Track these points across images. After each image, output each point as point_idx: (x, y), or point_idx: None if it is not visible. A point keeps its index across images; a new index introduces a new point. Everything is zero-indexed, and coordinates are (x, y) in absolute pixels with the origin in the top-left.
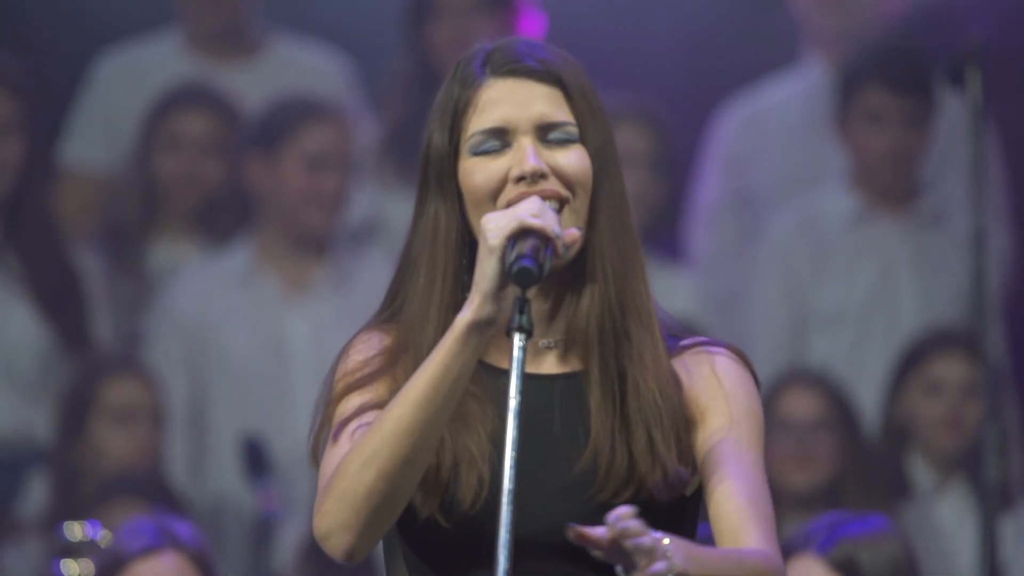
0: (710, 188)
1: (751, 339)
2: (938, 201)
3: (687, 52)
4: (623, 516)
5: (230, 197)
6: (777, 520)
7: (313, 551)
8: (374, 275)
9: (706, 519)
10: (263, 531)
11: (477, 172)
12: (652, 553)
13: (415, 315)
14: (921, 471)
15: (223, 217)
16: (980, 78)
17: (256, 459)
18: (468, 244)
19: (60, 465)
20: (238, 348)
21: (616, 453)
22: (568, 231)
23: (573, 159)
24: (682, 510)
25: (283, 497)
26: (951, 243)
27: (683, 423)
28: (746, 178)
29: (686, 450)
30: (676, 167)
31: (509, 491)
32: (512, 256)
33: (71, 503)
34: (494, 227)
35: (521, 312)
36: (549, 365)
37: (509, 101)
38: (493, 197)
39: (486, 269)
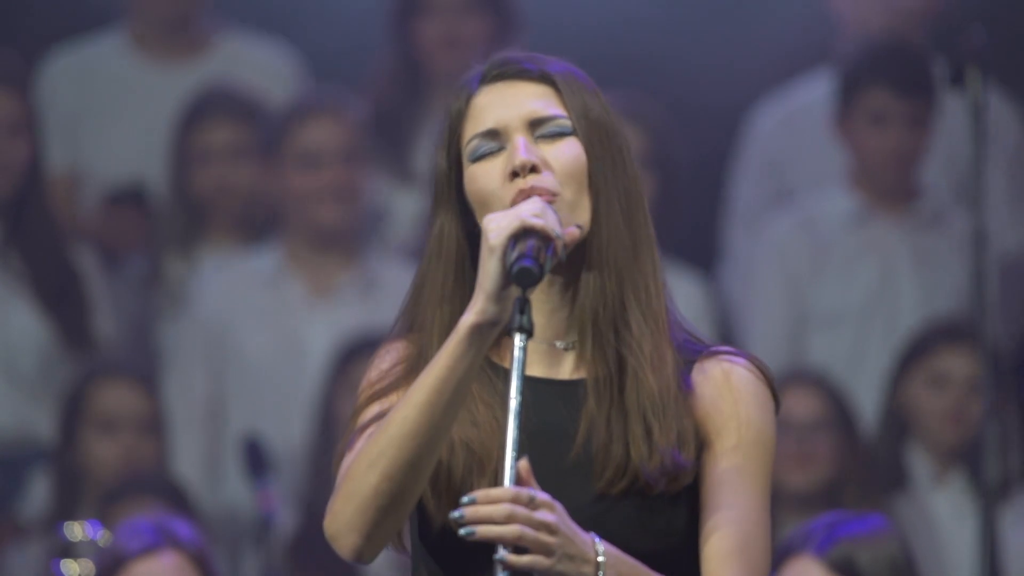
0: (749, 189)
1: (751, 339)
2: (938, 201)
3: (713, 51)
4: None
5: (257, 202)
6: (776, 521)
7: (310, 550)
8: (400, 283)
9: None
10: (262, 531)
11: (479, 177)
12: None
13: (426, 327)
14: (920, 463)
15: (253, 222)
16: (980, 78)
17: (256, 459)
18: (472, 254)
19: (61, 465)
20: (258, 350)
21: (613, 441)
22: (568, 230)
23: (563, 151)
24: (683, 503)
25: (289, 498)
26: (951, 243)
27: (691, 422)
28: (783, 178)
29: (688, 442)
30: (669, 167)
31: None
32: (513, 256)
33: (72, 503)
34: (495, 227)
35: (521, 312)
36: (566, 370)
37: (499, 103)
38: (495, 198)
39: (488, 269)
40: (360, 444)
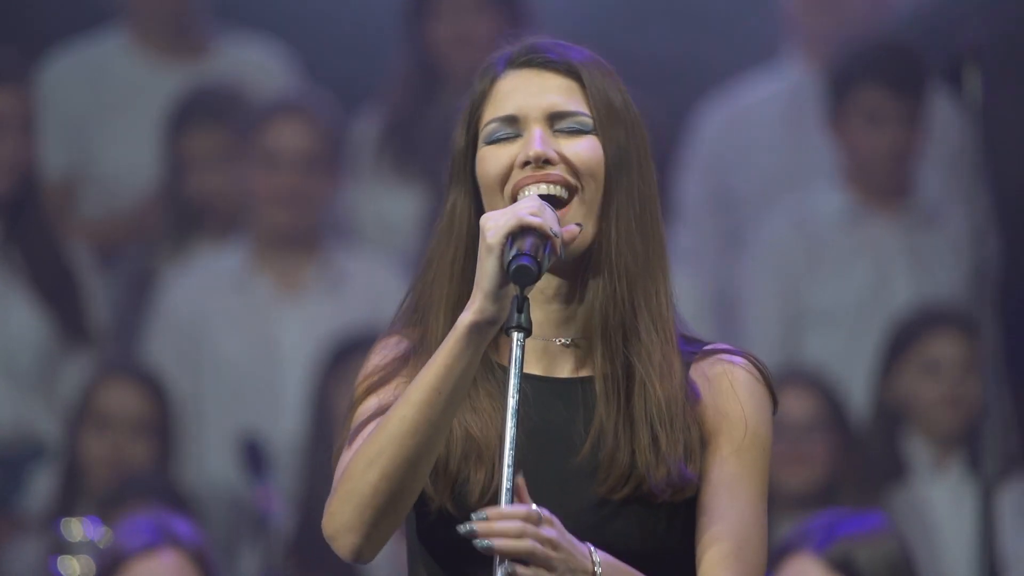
0: (691, 187)
1: (745, 338)
2: (932, 199)
3: (665, 48)
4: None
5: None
6: (772, 520)
7: (301, 548)
8: (368, 276)
9: None
10: (260, 529)
11: (489, 159)
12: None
13: (431, 307)
14: (919, 451)
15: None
16: (979, 78)
17: (255, 459)
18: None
19: (62, 463)
20: (232, 348)
21: (619, 448)
22: (567, 228)
23: (582, 148)
24: (685, 511)
25: (277, 496)
26: (944, 241)
27: (695, 427)
28: (728, 177)
29: (695, 453)
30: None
31: (508, 490)
32: (511, 254)
33: (72, 501)
34: (493, 226)
35: (519, 311)
36: (566, 368)
37: (522, 90)
38: (502, 184)
39: (486, 268)
40: (357, 443)
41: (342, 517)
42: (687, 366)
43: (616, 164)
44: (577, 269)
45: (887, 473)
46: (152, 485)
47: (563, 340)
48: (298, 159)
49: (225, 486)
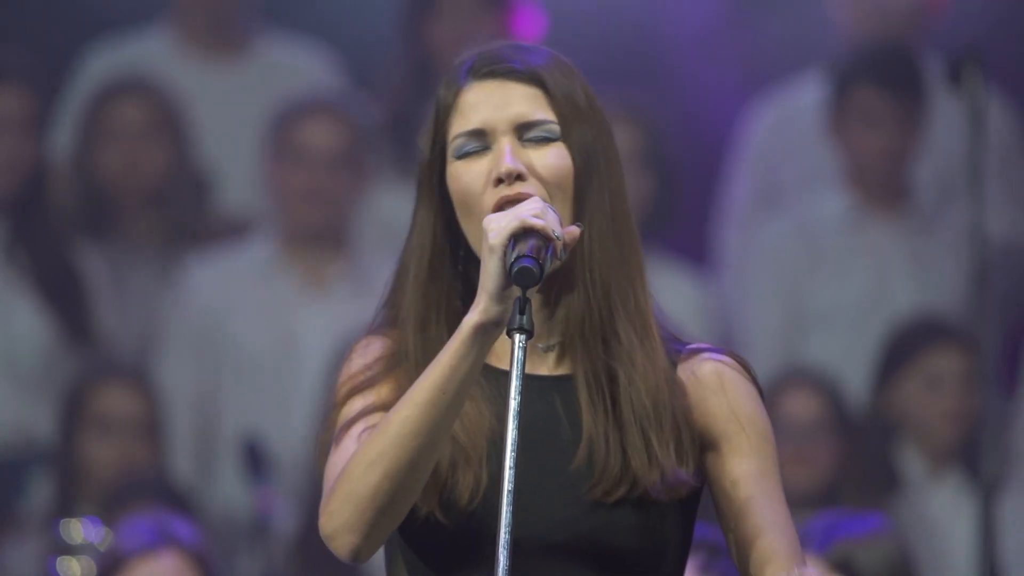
0: (739, 188)
1: (747, 339)
2: (933, 201)
3: (710, 50)
4: None
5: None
6: None
7: (311, 549)
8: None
9: (704, 520)
10: (260, 530)
11: (462, 175)
12: None
13: (403, 321)
14: (914, 463)
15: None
16: (979, 78)
17: (255, 459)
18: (454, 249)
19: (61, 465)
20: (251, 343)
21: (610, 453)
22: (568, 229)
23: (550, 158)
24: (679, 511)
25: (288, 495)
26: (945, 242)
27: (685, 428)
28: (775, 177)
29: (687, 453)
30: (665, 165)
31: (509, 492)
32: (513, 256)
33: (72, 502)
34: (496, 227)
35: (522, 312)
36: (545, 367)
37: (488, 103)
38: (476, 199)
39: (489, 269)
40: (350, 444)
41: (341, 517)
42: (673, 365)
43: (585, 168)
44: (553, 273)
45: (881, 480)
46: (152, 486)
47: (542, 345)
48: (327, 157)
49: (237, 485)
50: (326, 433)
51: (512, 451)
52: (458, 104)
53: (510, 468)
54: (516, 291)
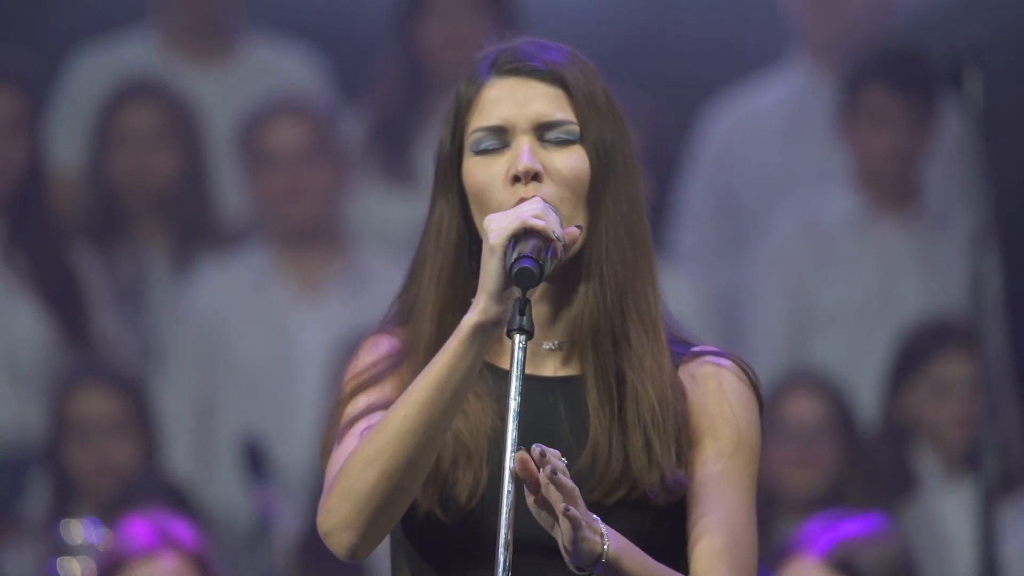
0: (696, 189)
1: (752, 339)
2: (940, 202)
3: (671, 51)
4: (559, 468)
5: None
6: (777, 522)
7: (312, 550)
8: (389, 279)
9: None
10: (260, 531)
11: (478, 171)
12: (588, 526)
13: (418, 313)
14: (929, 465)
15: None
16: (980, 78)
17: (255, 460)
18: (470, 243)
19: (54, 467)
20: (249, 349)
21: (612, 455)
22: (568, 230)
23: (569, 160)
24: (676, 514)
25: (286, 497)
26: (953, 243)
27: (685, 431)
28: (732, 180)
29: (684, 456)
30: (661, 166)
31: (509, 492)
32: (513, 256)
33: (70, 504)
34: (496, 227)
35: (522, 313)
36: (550, 367)
37: (509, 100)
38: (491, 196)
39: (488, 269)
40: (352, 441)
41: (340, 515)
42: (676, 367)
43: (602, 171)
44: (563, 272)
45: (897, 486)
46: (152, 487)
47: (547, 344)
48: (291, 154)
49: (237, 486)
50: (330, 431)
51: (512, 451)
52: (479, 99)
53: (510, 468)
54: (516, 291)
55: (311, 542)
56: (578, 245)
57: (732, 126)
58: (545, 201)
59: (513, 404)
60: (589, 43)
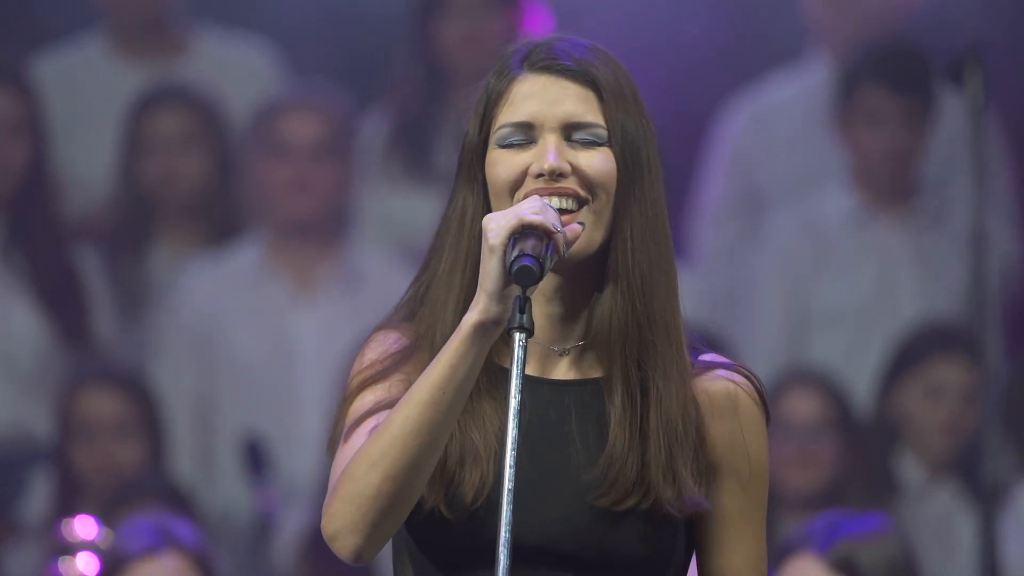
0: (715, 186)
1: (752, 338)
2: (938, 201)
3: (689, 48)
4: None
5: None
6: (777, 521)
7: (312, 550)
8: (384, 275)
9: None
10: (262, 531)
11: (500, 164)
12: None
13: (436, 299)
14: (911, 470)
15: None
16: (980, 78)
17: (256, 459)
18: None
19: (58, 467)
20: (245, 346)
21: (629, 463)
22: (569, 226)
23: (596, 161)
24: (684, 527)
25: (285, 496)
26: (951, 243)
27: (702, 451)
28: (752, 177)
29: (703, 471)
30: (670, 166)
31: (509, 491)
32: (513, 255)
33: (71, 503)
34: (495, 226)
35: (522, 311)
36: (564, 371)
37: (539, 97)
38: (512, 190)
39: (488, 268)
40: (358, 440)
41: (344, 518)
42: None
43: (628, 174)
44: (583, 274)
45: (879, 484)
46: (153, 487)
47: (559, 348)
48: (305, 147)
49: (238, 486)
50: (337, 427)
51: (512, 450)
52: (509, 93)
53: (510, 467)
54: (516, 290)
55: (313, 541)
56: (594, 246)
57: (749, 123)
58: (573, 192)
59: (513, 403)
60: (605, 41)
